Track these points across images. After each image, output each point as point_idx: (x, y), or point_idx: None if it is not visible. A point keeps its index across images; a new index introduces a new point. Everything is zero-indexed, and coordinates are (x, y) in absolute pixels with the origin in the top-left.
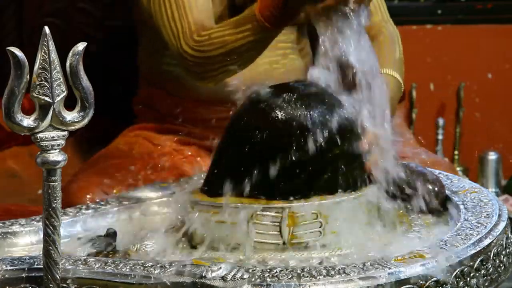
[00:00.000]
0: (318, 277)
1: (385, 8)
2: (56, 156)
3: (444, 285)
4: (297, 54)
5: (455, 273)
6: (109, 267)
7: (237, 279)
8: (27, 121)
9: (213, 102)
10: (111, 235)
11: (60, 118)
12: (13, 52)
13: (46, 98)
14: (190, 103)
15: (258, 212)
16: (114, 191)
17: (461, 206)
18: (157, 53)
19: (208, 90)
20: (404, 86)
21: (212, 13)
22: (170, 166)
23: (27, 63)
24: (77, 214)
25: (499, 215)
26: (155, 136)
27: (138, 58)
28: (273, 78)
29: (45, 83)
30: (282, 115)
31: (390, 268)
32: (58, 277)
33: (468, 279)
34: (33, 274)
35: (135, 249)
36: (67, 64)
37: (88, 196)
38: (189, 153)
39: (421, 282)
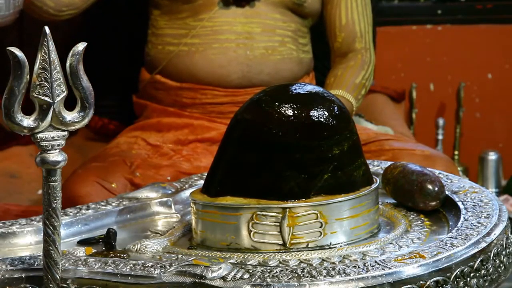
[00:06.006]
0: (318, 277)
1: (370, 36)
2: (56, 156)
3: (444, 285)
4: (296, 45)
5: (455, 273)
6: (109, 267)
7: (237, 279)
8: (27, 121)
9: (209, 85)
10: (111, 235)
11: (60, 118)
12: (13, 52)
13: (46, 98)
14: (189, 87)
15: (258, 212)
16: (113, 185)
17: (461, 206)
18: (154, 35)
19: (203, 72)
20: (405, 89)
21: None
22: (168, 165)
23: (27, 63)
24: (77, 214)
25: (499, 215)
26: (153, 136)
27: (146, 47)
28: (268, 64)
29: (45, 83)
30: (282, 115)
31: (390, 268)
32: (58, 277)
33: (468, 279)
34: (33, 274)
35: (135, 249)
36: (67, 64)
37: (85, 190)
38: (187, 153)
39: (421, 282)
